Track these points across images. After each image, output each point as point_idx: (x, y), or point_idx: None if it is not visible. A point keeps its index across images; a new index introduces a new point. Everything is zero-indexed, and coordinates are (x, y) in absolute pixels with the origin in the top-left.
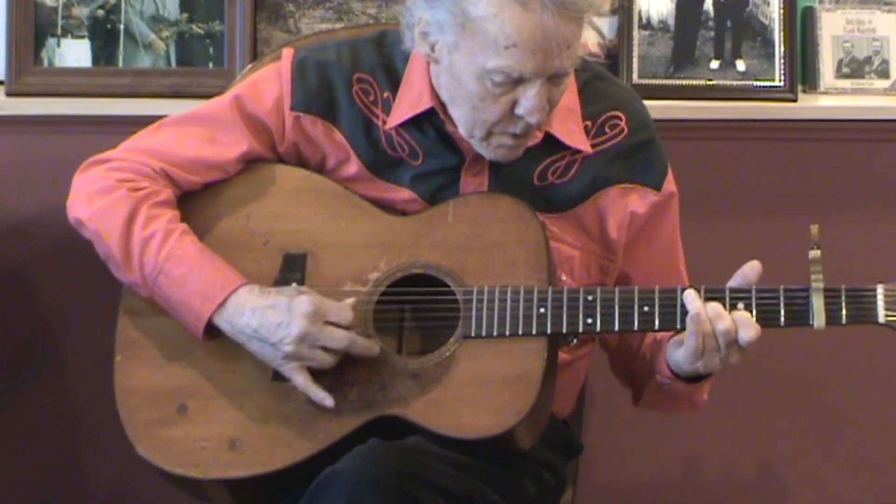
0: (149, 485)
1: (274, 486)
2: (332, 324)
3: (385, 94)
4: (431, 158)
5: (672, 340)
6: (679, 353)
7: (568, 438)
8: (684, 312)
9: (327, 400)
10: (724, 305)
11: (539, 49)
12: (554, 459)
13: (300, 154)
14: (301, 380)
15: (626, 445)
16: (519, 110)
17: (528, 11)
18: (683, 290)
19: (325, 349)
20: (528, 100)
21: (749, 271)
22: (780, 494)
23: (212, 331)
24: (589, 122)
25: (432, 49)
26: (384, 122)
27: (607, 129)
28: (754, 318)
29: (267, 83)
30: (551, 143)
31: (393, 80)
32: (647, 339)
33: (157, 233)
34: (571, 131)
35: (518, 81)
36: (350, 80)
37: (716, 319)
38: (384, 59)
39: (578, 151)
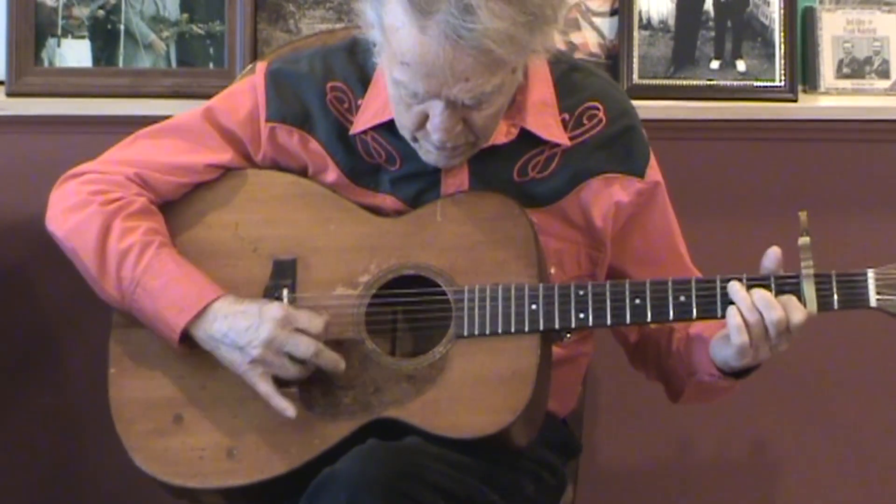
0: (147, 486)
1: (272, 493)
2: (302, 331)
3: (359, 101)
4: (409, 162)
5: (716, 338)
6: (727, 350)
7: (567, 437)
8: (676, 304)
9: (289, 411)
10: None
11: (430, 74)
12: (553, 459)
13: (277, 166)
14: (264, 387)
15: (627, 444)
16: (428, 125)
17: (424, 35)
18: (725, 281)
19: (292, 358)
20: (434, 117)
21: (768, 262)
22: (775, 486)
23: (189, 341)
24: (566, 115)
25: (375, 43)
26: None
27: (585, 121)
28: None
29: (240, 96)
30: (529, 139)
31: (366, 86)
32: (677, 335)
33: (133, 246)
34: (548, 125)
35: (422, 98)
36: (324, 90)
37: (767, 310)
38: (356, 67)
39: (557, 145)
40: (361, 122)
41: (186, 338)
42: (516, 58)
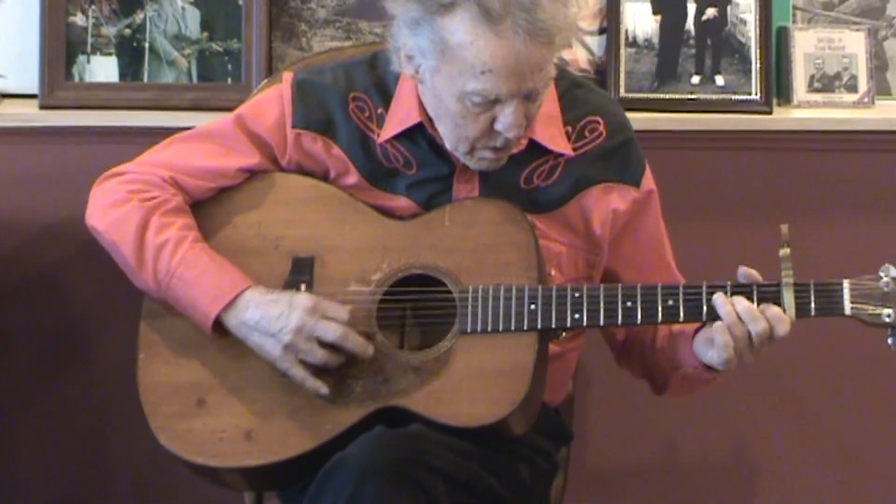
0: (170, 470)
1: (286, 473)
2: (330, 319)
3: (379, 111)
4: (425, 168)
5: (700, 339)
6: (710, 354)
7: (559, 426)
8: (664, 307)
9: (323, 389)
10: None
11: (513, 73)
12: (546, 446)
13: (302, 169)
14: (299, 373)
15: (614, 432)
16: (498, 126)
17: (502, 39)
18: (710, 287)
19: (321, 343)
20: (506, 117)
21: (741, 278)
22: (753, 475)
23: (220, 328)
24: (570, 128)
25: (417, 71)
26: (379, 136)
27: (587, 133)
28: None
29: (268, 104)
30: (535, 149)
31: (385, 97)
32: (661, 333)
33: (170, 240)
34: (554, 137)
35: (495, 102)
36: (346, 99)
37: (751, 322)
38: (377, 79)
39: (561, 155)
40: (388, 130)
41: (218, 325)
42: (567, 38)
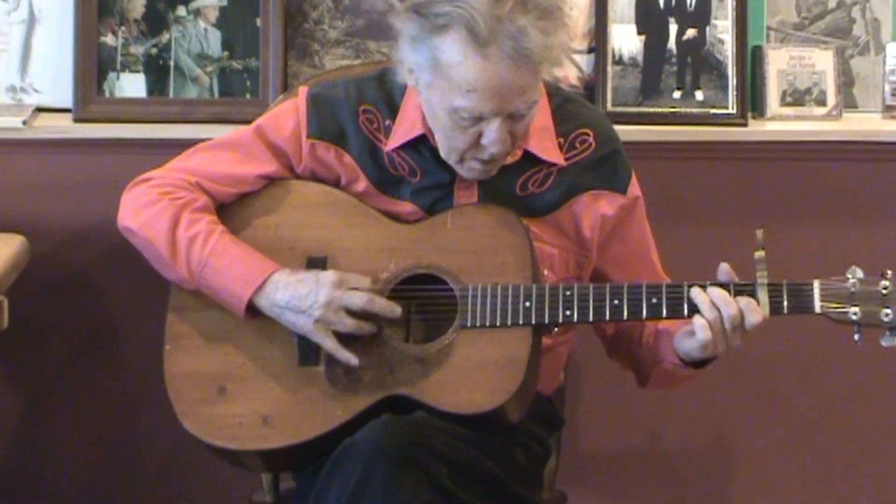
0: (193, 453)
1: (301, 456)
2: (354, 289)
3: (387, 122)
4: (428, 176)
5: (680, 332)
6: (690, 343)
7: (552, 413)
8: (648, 305)
9: (353, 360)
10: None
11: (496, 94)
12: (540, 431)
13: (315, 176)
14: (330, 343)
15: (602, 419)
16: (483, 141)
17: (487, 61)
18: (691, 286)
19: (349, 313)
20: (491, 133)
21: (721, 276)
22: (731, 460)
23: (252, 311)
24: (562, 139)
25: (416, 83)
26: (386, 146)
27: (578, 145)
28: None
29: (285, 116)
30: (530, 159)
31: (393, 110)
32: (647, 330)
33: (200, 233)
34: (547, 148)
35: (480, 118)
36: (356, 112)
37: (724, 306)
38: (385, 93)
39: (554, 165)
40: (394, 140)
41: (250, 308)
42: (553, 64)
